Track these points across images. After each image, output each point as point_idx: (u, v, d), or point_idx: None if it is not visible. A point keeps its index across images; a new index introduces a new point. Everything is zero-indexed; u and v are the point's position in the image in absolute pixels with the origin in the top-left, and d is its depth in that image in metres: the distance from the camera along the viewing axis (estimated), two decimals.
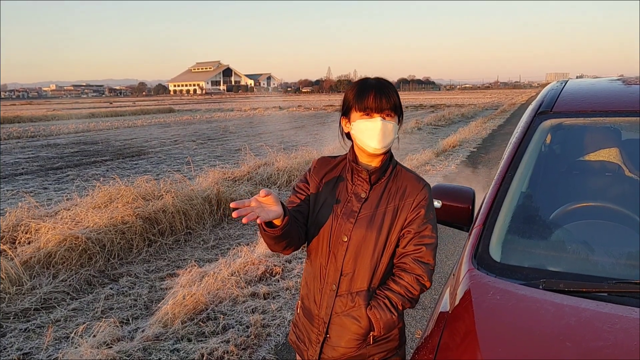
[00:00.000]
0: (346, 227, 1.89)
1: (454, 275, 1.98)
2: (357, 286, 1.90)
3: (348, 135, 1.96)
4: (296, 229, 1.90)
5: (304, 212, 2.00)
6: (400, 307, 1.88)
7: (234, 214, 1.70)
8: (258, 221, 1.72)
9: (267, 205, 1.73)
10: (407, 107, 48.61)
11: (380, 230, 1.88)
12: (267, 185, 9.63)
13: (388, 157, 1.95)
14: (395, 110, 1.87)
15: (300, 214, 1.98)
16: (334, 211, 1.92)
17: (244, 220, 1.67)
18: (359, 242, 1.88)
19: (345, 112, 1.93)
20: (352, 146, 1.96)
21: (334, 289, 1.92)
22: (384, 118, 1.83)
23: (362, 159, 1.93)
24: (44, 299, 4.81)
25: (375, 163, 1.92)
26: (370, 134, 1.84)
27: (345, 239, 1.89)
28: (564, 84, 2.63)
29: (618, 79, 2.80)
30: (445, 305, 1.78)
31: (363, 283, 1.90)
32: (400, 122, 1.93)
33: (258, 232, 6.69)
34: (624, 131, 2.57)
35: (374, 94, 1.83)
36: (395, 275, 1.90)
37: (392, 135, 1.86)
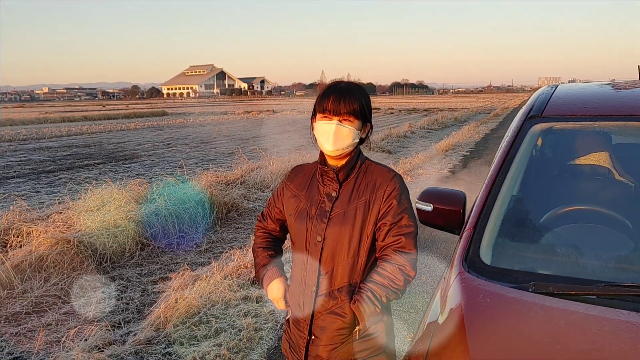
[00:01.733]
0: (320, 227, 1.92)
1: (444, 278, 1.98)
2: (337, 284, 1.92)
3: None
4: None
5: (282, 219, 2.14)
6: (385, 299, 1.88)
7: None
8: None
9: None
10: (400, 110, 48.75)
11: (353, 226, 1.90)
12: (260, 189, 9.62)
13: (355, 154, 1.97)
14: (356, 116, 1.89)
15: (279, 222, 2.16)
16: (309, 214, 1.96)
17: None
18: (334, 240, 1.91)
19: (314, 112, 1.97)
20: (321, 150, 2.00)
21: (314, 289, 1.94)
22: (340, 122, 1.87)
23: (330, 161, 1.98)
24: (35, 302, 4.79)
25: (341, 163, 1.96)
26: (325, 136, 1.89)
27: (320, 239, 1.92)
28: (554, 89, 2.64)
29: (608, 84, 2.82)
30: (436, 308, 1.79)
31: (343, 279, 1.92)
32: (365, 128, 1.96)
33: (251, 235, 6.69)
34: (614, 135, 2.59)
35: (333, 97, 1.87)
36: (378, 267, 1.92)
37: (348, 139, 1.89)
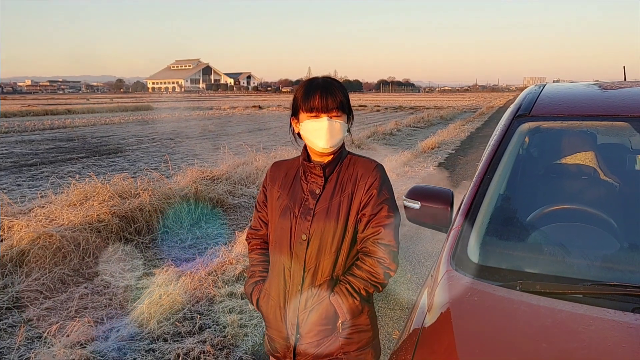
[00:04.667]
0: (304, 225, 1.91)
1: (432, 276, 1.98)
2: (320, 279, 1.91)
3: (300, 135, 1.98)
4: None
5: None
6: (364, 292, 1.88)
7: None
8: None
9: None
10: (386, 108, 48.86)
11: (337, 220, 1.89)
12: (246, 185, 9.58)
13: (341, 148, 1.97)
14: (343, 109, 1.89)
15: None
16: (292, 212, 1.94)
17: None
18: (319, 236, 1.90)
19: (294, 112, 1.96)
20: (305, 146, 1.98)
21: (299, 288, 1.92)
22: (331, 117, 1.86)
23: (315, 158, 1.97)
24: (16, 297, 4.71)
25: (328, 158, 1.96)
26: (317, 134, 1.87)
27: (305, 238, 1.91)
28: (542, 88, 2.66)
29: (595, 84, 2.84)
30: (423, 306, 1.78)
31: (325, 274, 1.91)
32: (349, 120, 1.97)
33: (236, 232, 6.67)
34: (599, 135, 2.62)
35: (319, 94, 1.86)
36: (358, 260, 1.92)
37: (340, 134, 1.89)
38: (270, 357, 2.13)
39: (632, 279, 1.69)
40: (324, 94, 1.85)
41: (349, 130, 1.99)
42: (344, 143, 2.00)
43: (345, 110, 1.91)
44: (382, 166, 1.98)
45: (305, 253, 1.90)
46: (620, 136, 2.68)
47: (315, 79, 1.94)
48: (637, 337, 1.36)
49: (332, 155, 1.95)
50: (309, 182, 1.95)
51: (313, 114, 1.87)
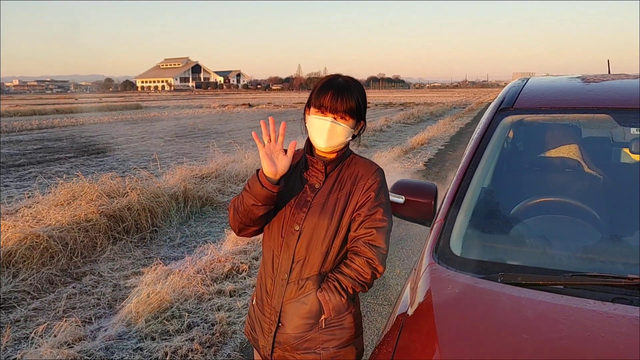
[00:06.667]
0: (299, 216, 1.92)
1: (415, 269, 1.99)
2: (308, 272, 1.92)
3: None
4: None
5: None
6: (351, 291, 1.90)
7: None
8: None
9: (278, 152, 1.84)
10: (376, 105, 48.88)
11: (332, 217, 1.90)
12: (236, 183, 9.56)
13: (345, 149, 1.98)
14: (352, 114, 1.88)
15: None
16: (289, 202, 1.95)
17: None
18: (311, 229, 1.90)
19: (308, 103, 1.95)
20: (308, 138, 1.98)
21: (286, 277, 1.93)
22: (336, 119, 1.86)
23: (318, 153, 1.96)
24: (3, 298, 4.68)
25: (330, 156, 1.96)
26: (318, 132, 1.87)
27: (297, 228, 1.91)
28: (525, 81, 2.66)
29: (578, 77, 2.85)
30: (406, 299, 1.79)
31: (314, 268, 1.92)
32: (359, 126, 1.96)
33: (225, 230, 6.64)
34: (583, 128, 2.63)
35: (331, 94, 1.85)
36: (347, 259, 1.92)
37: (341, 137, 1.88)
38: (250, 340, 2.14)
39: (612, 270, 1.71)
40: (336, 95, 1.85)
41: (358, 135, 2.00)
42: (348, 143, 2.00)
43: (354, 115, 1.89)
44: (382, 170, 1.99)
45: (296, 244, 1.92)
46: (603, 129, 2.70)
47: (336, 77, 1.93)
48: (616, 326, 1.37)
49: (336, 154, 1.95)
50: (310, 175, 1.96)
51: (320, 112, 1.87)
